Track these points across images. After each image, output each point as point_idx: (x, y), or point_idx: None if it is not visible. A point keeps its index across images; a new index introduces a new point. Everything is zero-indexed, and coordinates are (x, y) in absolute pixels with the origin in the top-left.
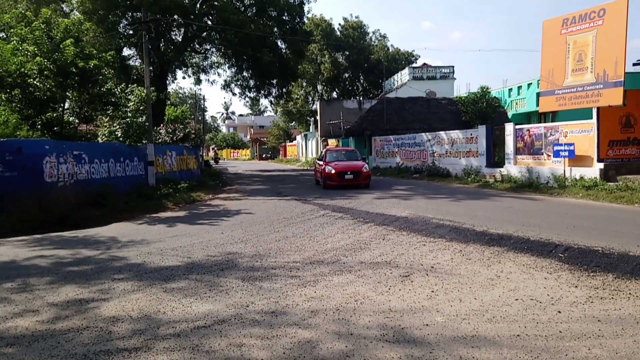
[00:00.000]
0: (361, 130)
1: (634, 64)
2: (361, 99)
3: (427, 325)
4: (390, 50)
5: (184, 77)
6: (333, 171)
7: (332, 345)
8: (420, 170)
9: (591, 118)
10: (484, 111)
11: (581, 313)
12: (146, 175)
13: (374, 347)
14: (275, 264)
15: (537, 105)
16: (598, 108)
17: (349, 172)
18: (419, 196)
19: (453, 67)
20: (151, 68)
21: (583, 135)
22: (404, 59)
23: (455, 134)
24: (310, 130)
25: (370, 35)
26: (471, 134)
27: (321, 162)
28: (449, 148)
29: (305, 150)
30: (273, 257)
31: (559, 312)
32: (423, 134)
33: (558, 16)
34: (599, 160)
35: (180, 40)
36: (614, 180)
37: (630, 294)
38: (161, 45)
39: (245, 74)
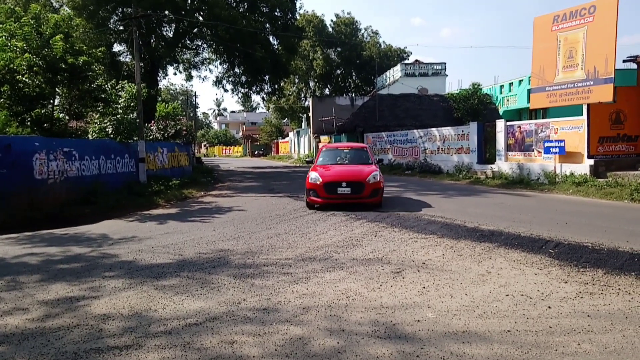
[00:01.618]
0: (353, 127)
1: (624, 61)
2: (353, 95)
3: (418, 321)
4: (382, 47)
5: (175, 74)
6: (319, 181)
7: (323, 341)
8: (412, 167)
9: (581, 115)
10: (475, 108)
11: (571, 308)
12: (137, 172)
13: (366, 343)
14: (267, 261)
15: (528, 101)
16: (588, 105)
17: (343, 183)
18: (410, 192)
19: (445, 63)
20: (142, 64)
21: (573, 132)
22: (396, 56)
23: (447, 130)
24: (303, 126)
25: (362, 31)
26: (462, 131)
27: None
28: (441, 145)
29: (297, 147)
30: (265, 254)
31: (549, 307)
32: (415, 130)
33: (549, 13)
34: (589, 157)
35: (171, 36)
36: (604, 177)
37: (619, 289)
38: (152, 41)
39: (237, 70)
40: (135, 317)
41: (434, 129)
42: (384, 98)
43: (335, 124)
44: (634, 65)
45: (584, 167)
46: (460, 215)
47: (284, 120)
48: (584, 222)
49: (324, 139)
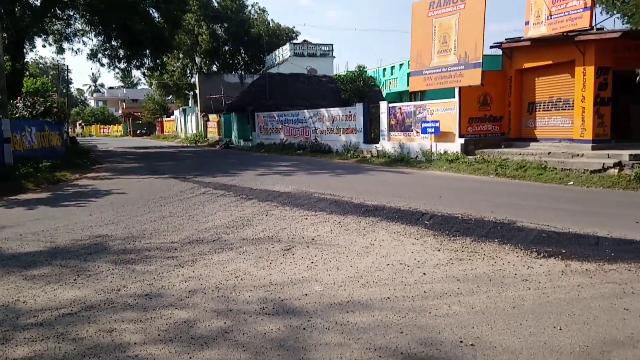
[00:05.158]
0: (243, 106)
1: (491, 47)
2: (243, 73)
3: (306, 295)
4: (271, 25)
5: (44, 46)
6: None
7: (210, 323)
8: (303, 147)
9: (454, 97)
10: (361, 89)
11: (443, 274)
12: (2, 153)
13: (254, 321)
14: (150, 246)
15: (408, 84)
16: (460, 88)
17: None
18: (302, 172)
19: (332, 45)
20: (5, 35)
21: (447, 113)
22: (284, 35)
23: (335, 111)
24: (190, 104)
25: (249, 8)
26: (350, 112)
27: None
28: (330, 125)
29: (184, 126)
30: (148, 238)
31: (424, 274)
32: (305, 110)
33: None
34: (460, 136)
35: (38, 4)
36: (473, 154)
37: (484, 254)
38: (17, 9)
39: (114, 43)
40: (1, 310)
41: (323, 110)
42: (274, 77)
43: (224, 102)
44: (500, 52)
45: (456, 145)
46: (348, 192)
47: (169, 98)
48: (456, 195)
49: (213, 117)
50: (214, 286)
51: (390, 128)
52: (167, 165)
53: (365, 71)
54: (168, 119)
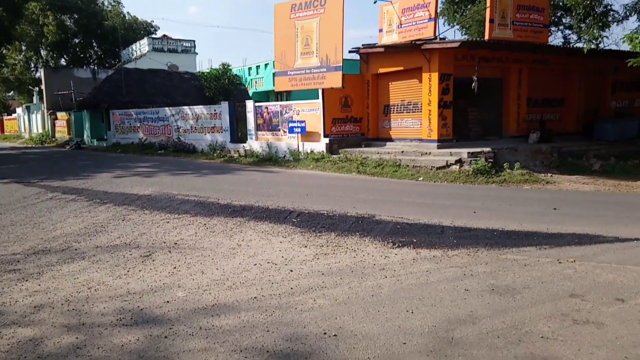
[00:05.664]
0: (97, 103)
1: (350, 51)
2: (96, 68)
3: (167, 302)
4: (127, 18)
5: None
6: None
7: (60, 339)
8: (165, 146)
9: (318, 98)
10: (226, 88)
11: (309, 269)
12: None
13: (110, 334)
14: None
15: (274, 84)
16: (323, 89)
17: None
18: (164, 173)
19: (194, 41)
20: None
21: (312, 114)
22: (142, 29)
23: (200, 109)
24: (35, 101)
25: None
26: (215, 110)
27: None
28: (194, 123)
29: (29, 124)
30: None
31: (291, 271)
32: (167, 108)
33: (288, 0)
34: (325, 136)
35: None
36: (337, 153)
37: (347, 248)
38: None
39: None
40: None
41: (186, 108)
42: (131, 72)
43: (74, 99)
44: (358, 56)
45: (321, 145)
46: (215, 193)
47: (10, 94)
48: (322, 193)
49: (62, 115)
50: (63, 299)
51: (258, 127)
52: (8, 169)
53: (230, 69)
54: (9, 117)
